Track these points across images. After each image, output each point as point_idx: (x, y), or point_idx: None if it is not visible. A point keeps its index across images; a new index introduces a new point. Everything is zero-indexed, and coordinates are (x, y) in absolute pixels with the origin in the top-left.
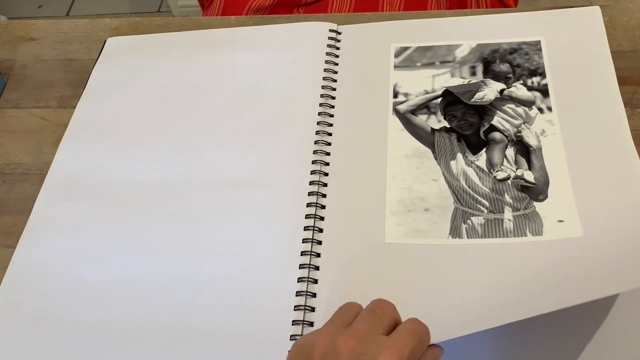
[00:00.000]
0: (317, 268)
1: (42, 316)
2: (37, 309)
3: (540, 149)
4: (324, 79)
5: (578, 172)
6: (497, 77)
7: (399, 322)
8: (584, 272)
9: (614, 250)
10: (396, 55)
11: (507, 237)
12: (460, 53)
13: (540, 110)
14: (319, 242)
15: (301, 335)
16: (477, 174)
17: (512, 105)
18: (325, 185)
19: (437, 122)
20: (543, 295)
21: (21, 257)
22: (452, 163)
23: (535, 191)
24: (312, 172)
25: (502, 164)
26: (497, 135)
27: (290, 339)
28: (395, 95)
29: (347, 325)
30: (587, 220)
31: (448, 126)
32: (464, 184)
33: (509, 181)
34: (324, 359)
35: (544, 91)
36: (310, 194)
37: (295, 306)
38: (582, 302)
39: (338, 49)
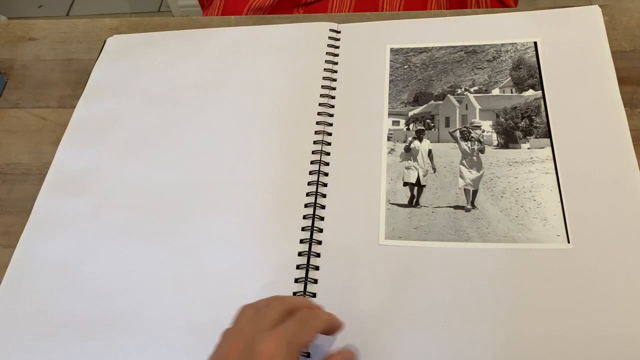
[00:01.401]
0: (317, 268)
1: (42, 312)
2: (38, 306)
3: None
4: (324, 78)
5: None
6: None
7: (293, 311)
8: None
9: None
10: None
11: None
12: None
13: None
14: (319, 242)
15: None
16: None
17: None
18: (325, 185)
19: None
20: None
21: (22, 255)
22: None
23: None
24: (311, 172)
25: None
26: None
27: None
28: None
29: (239, 329)
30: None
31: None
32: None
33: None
34: None
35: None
36: (308, 194)
37: None
38: None
39: (337, 47)
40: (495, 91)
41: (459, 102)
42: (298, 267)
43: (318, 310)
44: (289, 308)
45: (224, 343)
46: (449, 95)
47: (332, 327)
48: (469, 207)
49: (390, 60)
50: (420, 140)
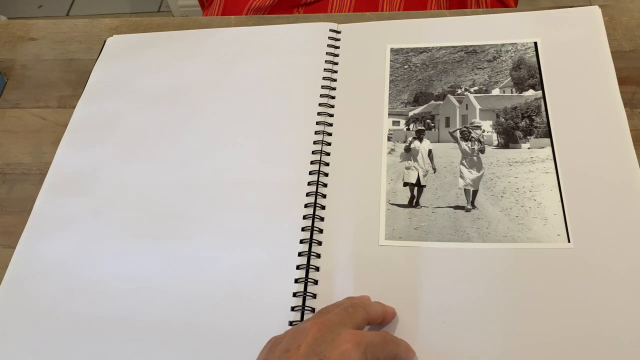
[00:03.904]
0: (317, 269)
1: (42, 313)
2: (37, 306)
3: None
4: (324, 78)
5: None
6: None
7: (373, 322)
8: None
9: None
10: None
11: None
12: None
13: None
14: (319, 243)
15: None
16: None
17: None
18: (325, 185)
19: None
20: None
21: (22, 255)
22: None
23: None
24: (311, 172)
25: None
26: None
27: None
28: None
29: None
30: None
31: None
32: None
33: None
34: (292, 339)
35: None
36: (308, 194)
37: (292, 307)
38: None
39: (337, 47)
40: (496, 91)
41: (459, 102)
42: (298, 267)
43: (401, 340)
44: (370, 319)
45: (306, 321)
46: (449, 95)
47: (405, 357)
48: (469, 207)
49: (391, 60)
50: (421, 140)
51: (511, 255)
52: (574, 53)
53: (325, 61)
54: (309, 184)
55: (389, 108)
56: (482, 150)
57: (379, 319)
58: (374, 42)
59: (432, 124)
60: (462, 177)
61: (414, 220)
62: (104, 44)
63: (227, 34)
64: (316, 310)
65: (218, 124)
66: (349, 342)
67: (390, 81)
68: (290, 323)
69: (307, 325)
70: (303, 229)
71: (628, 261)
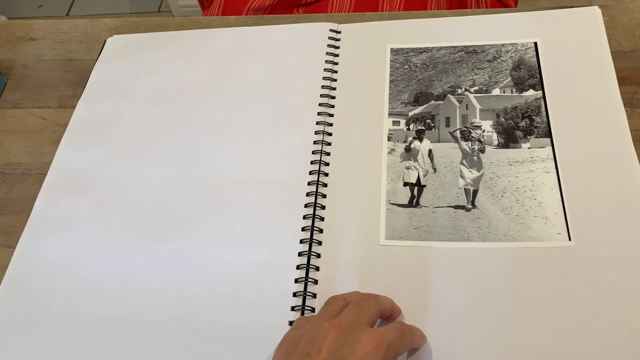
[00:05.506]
0: (317, 269)
1: (42, 313)
2: (37, 306)
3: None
4: (324, 78)
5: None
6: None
7: (384, 314)
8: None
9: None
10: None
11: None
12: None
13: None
14: (319, 243)
15: None
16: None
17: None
18: (325, 185)
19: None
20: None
21: (22, 255)
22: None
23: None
24: (311, 172)
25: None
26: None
27: None
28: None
29: (333, 317)
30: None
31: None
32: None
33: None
34: (311, 343)
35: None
36: (308, 194)
37: (292, 307)
38: None
39: (337, 48)
40: (496, 91)
41: (459, 102)
42: (298, 267)
43: (415, 328)
44: (383, 309)
45: (320, 322)
46: (449, 95)
47: (420, 344)
48: (470, 206)
49: (391, 60)
50: (421, 140)
51: (512, 254)
52: (574, 53)
53: (325, 61)
54: (309, 184)
55: (389, 108)
56: (482, 150)
57: (389, 311)
58: (374, 42)
59: (432, 124)
60: (462, 176)
61: (414, 220)
62: (104, 44)
63: (227, 34)
64: (317, 306)
65: (218, 124)
66: (369, 344)
67: (391, 81)
68: (290, 323)
69: (326, 327)
70: (303, 229)
71: (628, 259)
